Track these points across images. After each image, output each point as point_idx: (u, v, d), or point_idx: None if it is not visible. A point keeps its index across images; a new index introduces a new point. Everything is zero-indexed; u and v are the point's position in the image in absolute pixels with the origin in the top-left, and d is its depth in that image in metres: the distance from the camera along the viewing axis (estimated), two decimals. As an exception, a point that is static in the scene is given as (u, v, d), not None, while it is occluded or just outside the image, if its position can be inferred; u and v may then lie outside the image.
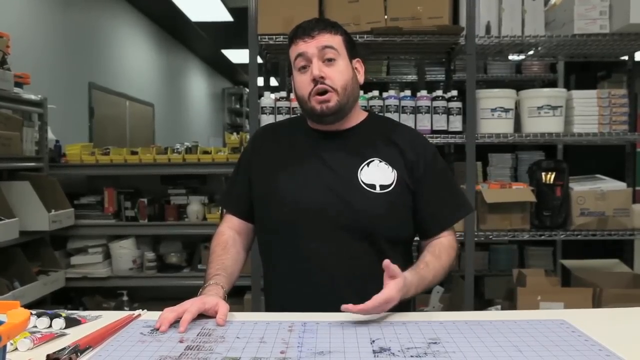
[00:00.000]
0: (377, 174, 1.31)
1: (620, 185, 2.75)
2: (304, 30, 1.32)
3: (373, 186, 1.30)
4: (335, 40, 1.32)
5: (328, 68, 1.31)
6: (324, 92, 1.30)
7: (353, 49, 1.38)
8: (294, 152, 1.38)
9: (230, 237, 1.39)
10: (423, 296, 2.88)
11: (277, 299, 1.38)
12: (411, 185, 1.33)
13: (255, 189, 1.40)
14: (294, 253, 1.31)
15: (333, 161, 1.33)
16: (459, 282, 2.93)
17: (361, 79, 1.40)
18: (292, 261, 1.32)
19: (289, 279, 1.33)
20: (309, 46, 1.31)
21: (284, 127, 1.52)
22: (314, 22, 1.35)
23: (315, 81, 1.30)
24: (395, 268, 1.11)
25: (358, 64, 1.39)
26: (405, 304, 1.36)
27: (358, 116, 1.41)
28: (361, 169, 1.32)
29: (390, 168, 1.32)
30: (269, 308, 1.40)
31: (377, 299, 1.08)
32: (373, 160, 1.33)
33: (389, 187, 1.30)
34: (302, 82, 1.33)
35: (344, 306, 1.07)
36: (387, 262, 1.11)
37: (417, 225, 1.37)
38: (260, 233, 1.41)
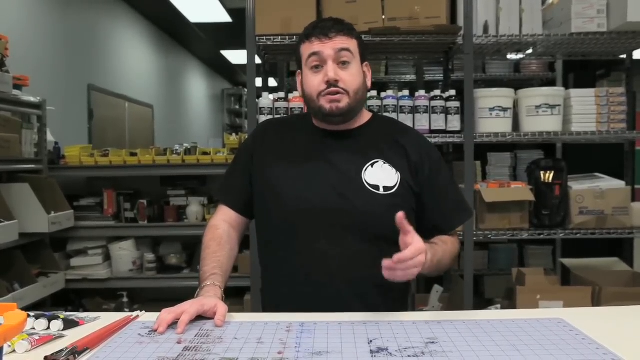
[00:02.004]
0: (381, 175, 1.31)
1: (619, 183, 2.75)
2: (322, 30, 1.32)
3: (377, 187, 1.30)
4: (351, 44, 1.33)
5: (342, 71, 1.31)
6: (335, 93, 1.30)
7: (365, 53, 1.38)
8: (297, 150, 1.37)
9: (224, 231, 1.37)
10: (422, 296, 2.88)
11: (276, 298, 1.38)
12: (415, 187, 1.33)
13: (256, 185, 1.38)
14: (295, 252, 1.31)
15: (337, 161, 1.33)
16: (458, 281, 2.93)
17: (369, 82, 1.41)
18: (293, 260, 1.31)
19: (289, 277, 1.32)
20: (325, 47, 1.30)
21: (287, 123, 1.51)
22: (332, 22, 1.35)
23: (329, 83, 1.30)
24: (408, 224, 1.10)
25: (366, 68, 1.40)
26: (403, 303, 1.37)
27: (363, 117, 1.41)
28: (365, 170, 1.31)
29: (394, 170, 1.32)
30: (267, 308, 1.39)
31: (411, 248, 1.07)
32: (377, 162, 1.33)
33: (392, 188, 1.30)
34: (314, 81, 1.32)
35: (384, 262, 1.06)
36: (400, 216, 1.09)
37: (420, 227, 1.36)
38: (261, 231, 1.40)
